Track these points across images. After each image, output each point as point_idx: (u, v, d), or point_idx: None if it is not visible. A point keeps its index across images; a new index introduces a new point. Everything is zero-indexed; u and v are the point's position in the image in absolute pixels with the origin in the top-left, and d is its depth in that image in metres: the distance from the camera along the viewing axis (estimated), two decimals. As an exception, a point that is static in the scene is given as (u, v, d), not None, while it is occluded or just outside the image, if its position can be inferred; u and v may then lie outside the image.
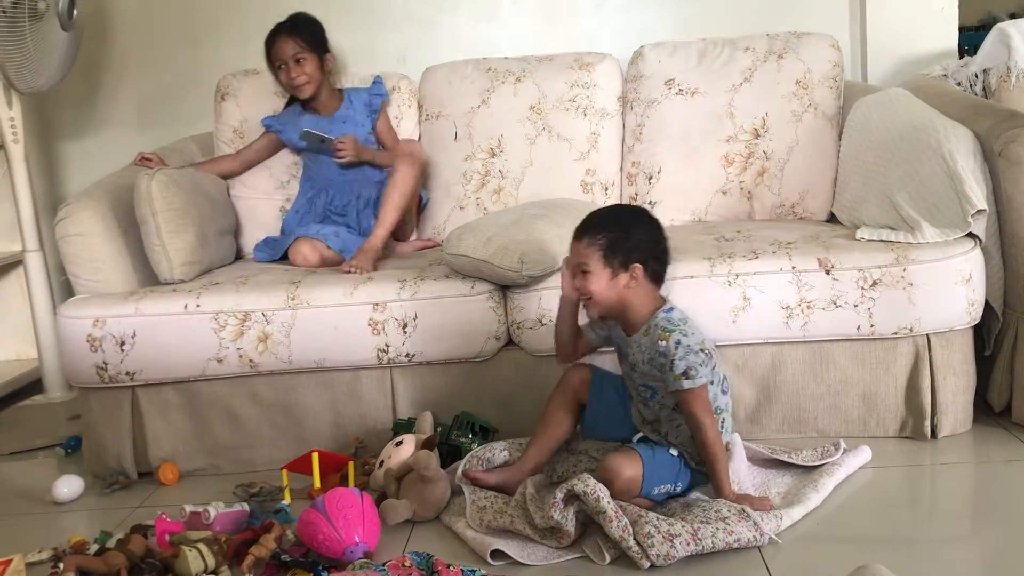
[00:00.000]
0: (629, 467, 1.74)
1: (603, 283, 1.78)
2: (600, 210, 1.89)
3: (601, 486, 1.69)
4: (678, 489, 1.81)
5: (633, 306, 1.82)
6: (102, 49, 3.15)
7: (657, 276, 1.83)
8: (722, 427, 1.80)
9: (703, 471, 1.81)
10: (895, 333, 2.09)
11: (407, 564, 1.42)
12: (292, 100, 2.78)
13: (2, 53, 2.59)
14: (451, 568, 1.59)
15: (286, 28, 2.65)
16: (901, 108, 2.36)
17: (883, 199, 2.23)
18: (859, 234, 2.20)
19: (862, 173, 2.40)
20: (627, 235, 1.79)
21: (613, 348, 1.93)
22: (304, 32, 2.65)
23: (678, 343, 1.73)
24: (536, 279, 2.15)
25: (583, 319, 1.92)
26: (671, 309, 1.81)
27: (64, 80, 2.85)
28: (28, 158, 2.89)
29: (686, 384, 1.72)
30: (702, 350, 1.74)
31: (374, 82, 2.79)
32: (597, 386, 1.94)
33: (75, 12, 2.76)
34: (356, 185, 2.68)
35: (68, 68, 2.84)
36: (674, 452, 1.80)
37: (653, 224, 1.85)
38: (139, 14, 3.15)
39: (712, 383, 1.78)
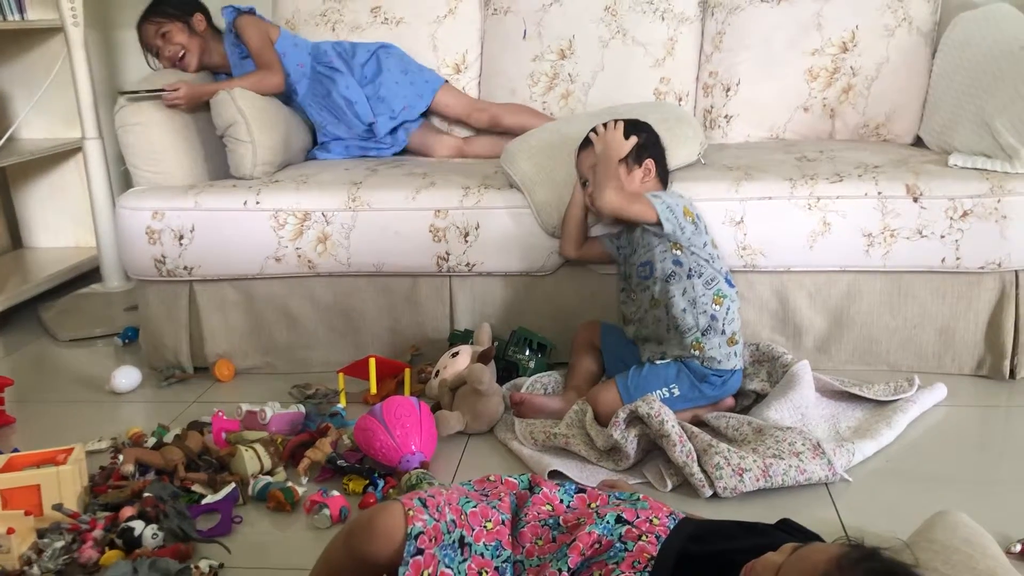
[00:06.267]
0: (603, 395, 1.82)
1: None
2: (596, 126, 1.97)
3: (666, 409, 1.66)
4: (676, 392, 1.80)
5: None
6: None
7: (663, 178, 1.98)
8: (727, 313, 1.82)
9: (708, 364, 1.81)
10: (982, 267, 1.98)
11: (492, 478, 1.32)
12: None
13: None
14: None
15: (144, 13, 2.51)
16: (1006, 26, 2.19)
17: (979, 124, 2.09)
18: (951, 160, 2.07)
19: (956, 95, 2.24)
20: (634, 136, 1.93)
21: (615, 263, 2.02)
22: (159, 6, 2.50)
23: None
24: None
25: (601, 230, 2.04)
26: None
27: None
28: (88, 44, 2.83)
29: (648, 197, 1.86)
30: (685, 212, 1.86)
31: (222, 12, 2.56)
32: (605, 332, 2.02)
33: None
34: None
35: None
36: (662, 361, 1.83)
37: (652, 130, 1.98)
38: None
39: (693, 245, 1.84)
